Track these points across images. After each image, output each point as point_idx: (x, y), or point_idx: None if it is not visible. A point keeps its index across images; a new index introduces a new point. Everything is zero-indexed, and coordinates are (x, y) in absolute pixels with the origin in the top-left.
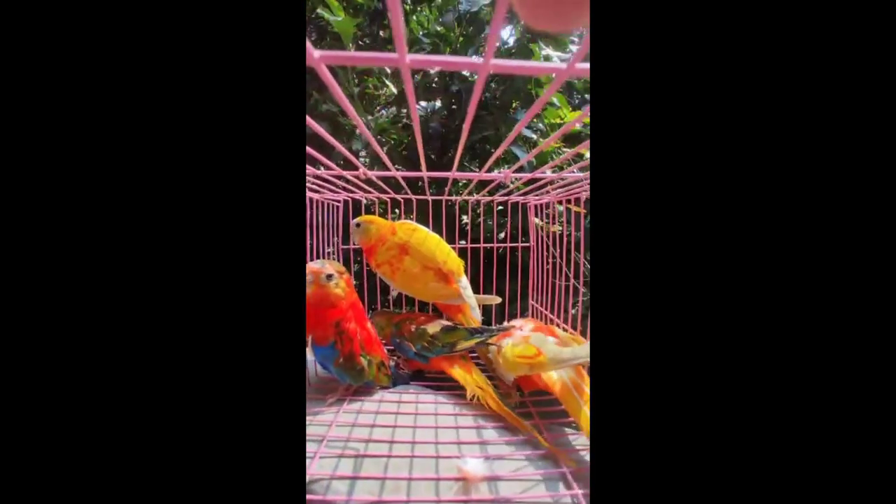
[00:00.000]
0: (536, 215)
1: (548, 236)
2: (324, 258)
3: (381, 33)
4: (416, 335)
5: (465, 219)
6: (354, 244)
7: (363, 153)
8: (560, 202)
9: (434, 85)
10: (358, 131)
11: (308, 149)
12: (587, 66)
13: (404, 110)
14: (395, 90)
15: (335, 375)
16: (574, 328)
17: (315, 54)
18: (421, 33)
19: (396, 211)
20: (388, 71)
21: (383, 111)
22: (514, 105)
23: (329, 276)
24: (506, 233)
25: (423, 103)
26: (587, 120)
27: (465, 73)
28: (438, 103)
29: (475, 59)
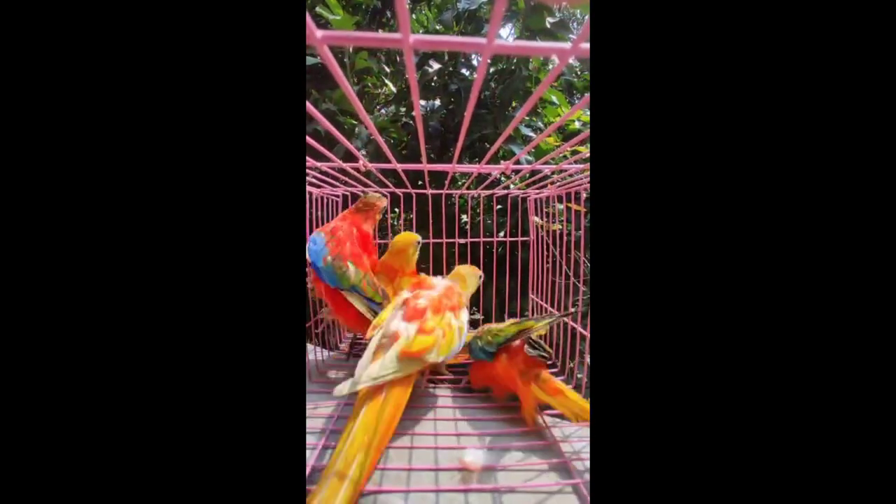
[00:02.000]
0: (536, 212)
1: (547, 234)
2: None
3: (379, 31)
4: (484, 333)
5: (465, 217)
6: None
7: (362, 151)
8: (559, 197)
9: (434, 84)
10: (357, 130)
11: (308, 139)
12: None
13: (403, 109)
14: (394, 89)
15: (323, 277)
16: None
17: (317, 34)
18: (420, 32)
19: (396, 210)
20: (388, 70)
21: (382, 110)
22: (513, 104)
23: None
24: (505, 230)
25: (422, 102)
26: (586, 119)
27: (465, 72)
28: (438, 102)
29: (479, 39)
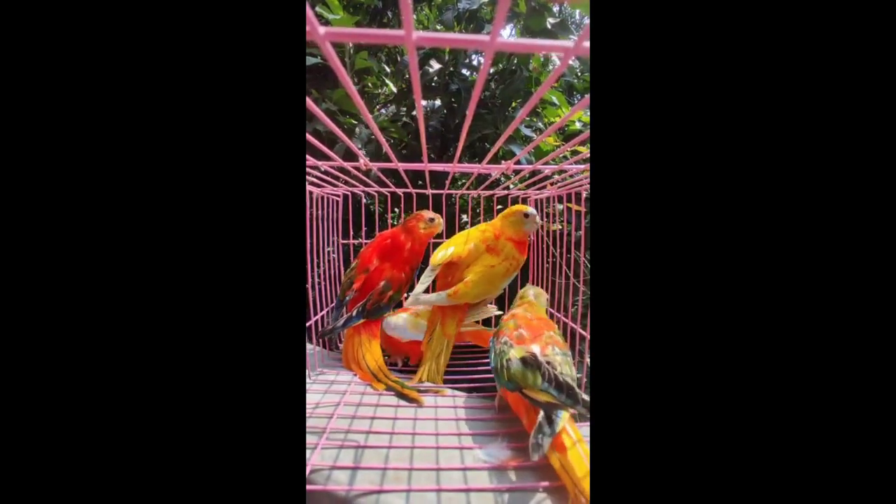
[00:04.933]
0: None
1: (547, 235)
2: (323, 254)
3: None
4: (501, 345)
5: (465, 217)
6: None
7: (362, 151)
8: (559, 198)
9: (434, 84)
10: (357, 129)
11: (310, 137)
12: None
13: (403, 108)
14: (394, 89)
15: None
16: (574, 323)
17: (321, 30)
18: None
19: (396, 210)
20: (388, 70)
21: (382, 110)
22: (513, 104)
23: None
24: None
25: (422, 102)
26: (586, 119)
27: (465, 72)
28: (438, 102)
29: (482, 37)
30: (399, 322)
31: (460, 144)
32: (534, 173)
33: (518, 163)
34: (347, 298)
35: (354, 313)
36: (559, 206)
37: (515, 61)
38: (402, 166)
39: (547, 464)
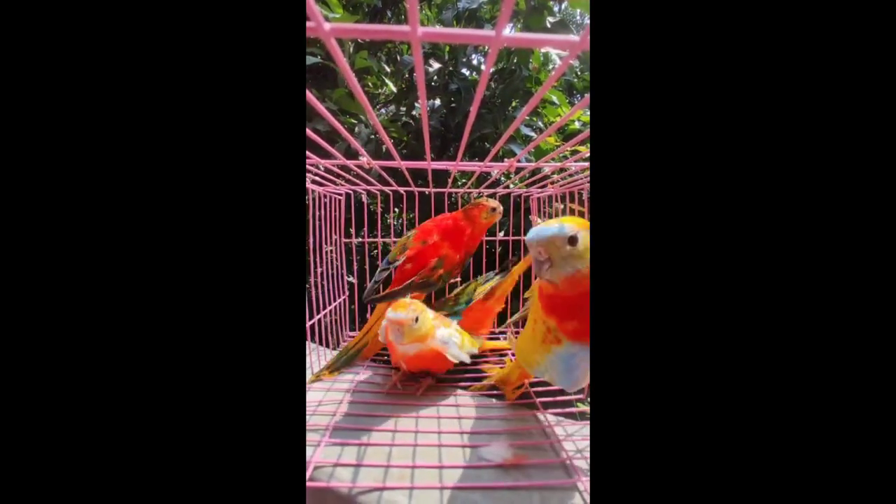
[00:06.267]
0: (538, 212)
1: None
2: (324, 253)
3: None
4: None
5: None
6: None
7: (363, 150)
8: (561, 196)
9: (434, 83)
10: (357, 129)
11: (313, 134)
12: None
13: (403, 108)
14: (394, 89)
15: None
16: None
17: (326, 26)
18: None
19: (397, 209)
20: (388, 70)
21: (382, 110)
22: (513, 104)
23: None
24: (506, 230)
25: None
26: (586, 119)
27: (465, 72)
28: (438, 102)
29: (487, 32)
30: (449, 337)
31: (463, 142)
32: (534, 172)
33: (519, 161)
34: (397, 262)
35: (400, 288)
36: (559, 206)
37: (515, 60)
38: (405, 164)
39: (550, 463)
